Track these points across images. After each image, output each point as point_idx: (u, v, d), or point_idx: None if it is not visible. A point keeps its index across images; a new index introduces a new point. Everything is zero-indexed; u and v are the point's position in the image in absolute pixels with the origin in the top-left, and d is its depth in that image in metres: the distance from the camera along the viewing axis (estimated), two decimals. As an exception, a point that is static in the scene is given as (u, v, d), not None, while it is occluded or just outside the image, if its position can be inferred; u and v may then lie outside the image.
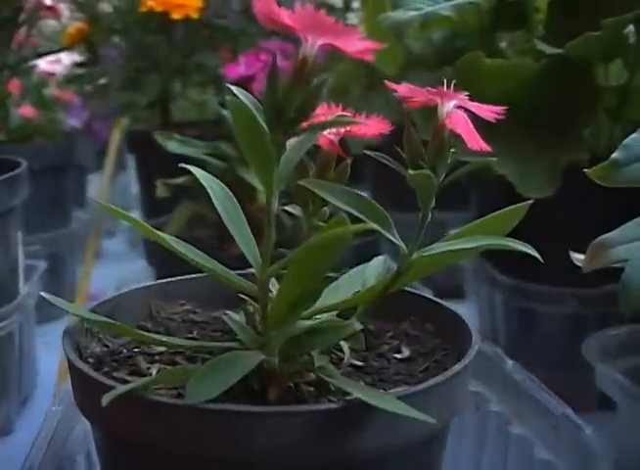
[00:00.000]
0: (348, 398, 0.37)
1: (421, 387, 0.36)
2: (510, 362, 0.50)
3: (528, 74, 0.57)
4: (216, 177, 0.64)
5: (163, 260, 0.64)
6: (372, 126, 0.39)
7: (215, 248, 0.63)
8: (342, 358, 0.43)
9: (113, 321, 0.41)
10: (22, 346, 0.68)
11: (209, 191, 0.38)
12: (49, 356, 0.79)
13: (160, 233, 0.41)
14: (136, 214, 1.26)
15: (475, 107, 0.37)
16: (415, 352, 0.45)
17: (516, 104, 0.58)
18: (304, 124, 0.34)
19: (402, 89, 0.36)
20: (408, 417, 0.33)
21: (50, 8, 0.86)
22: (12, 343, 0.64)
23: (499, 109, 0.37)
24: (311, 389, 0.39)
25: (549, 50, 0.56)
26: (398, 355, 0.45)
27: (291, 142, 0.35)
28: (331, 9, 0.97)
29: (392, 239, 0.37)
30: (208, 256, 0.62)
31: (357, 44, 0.32)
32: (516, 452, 0.46)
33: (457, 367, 0.38)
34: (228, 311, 0.45)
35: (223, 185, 0.38)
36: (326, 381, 0.39)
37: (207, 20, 0.86)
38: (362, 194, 0.38)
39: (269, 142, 0.32)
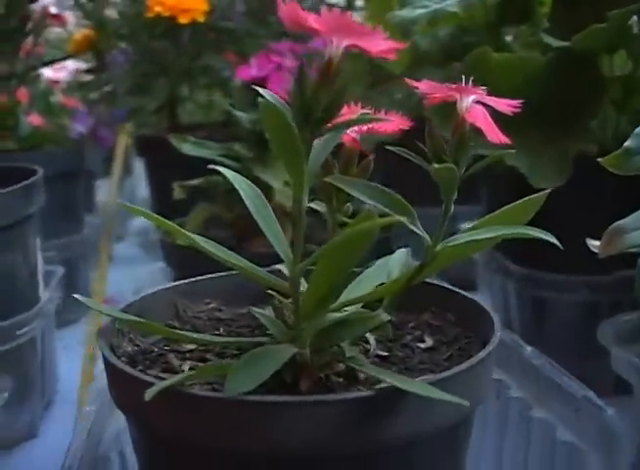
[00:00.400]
0: (378, 386, 0.39)
1: (450, 373, 0.37)
2: (528, 348, 0.51)
3: (535, 68, 0.58)
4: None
5: (182, 261, 0.65)
6: (392, 122, 0.40)
7: (233, 247, 0.64)
8: (368, 349, 0.44)
9: (146, 321, 0.42)
10: (44, 351, 0.69)
11: (240, 191, 0.39)
12: (68, 360, 0.80)
13: (190, 234, 0.42)
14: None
15: (492, 101, 0.38)
16: (438, 342, 0.46)
17: (524, 97, 0.60)
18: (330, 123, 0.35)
19: (422, 86, 0.37)
20: (438, 403, 0.35)
21: (55, 16, 0.87)
22: (34, 348, 0.65)
23: (516, 102, 0.38)
24: (340, 379, 0.40)
25: (555, 43, 0.57)
26: (422, 345, 0.46)
27: (316, 141, 0.36)
28: (334, 8, 0.97)
29: (417, 231, 0.38)
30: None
31: (381, 44, 0.34)
32: (538, 436, 0.47)
33: (483, 353, 0.39)
34: (254, 308, 0.46)
35: (252, 184, 0.39)
36: (355, 371, 0.40)
37: (213, 23, 0.87)
38: (386, 188, 0.39)
39: (299, 141, 0.33)
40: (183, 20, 0.83)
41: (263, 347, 0.37)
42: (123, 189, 1.34)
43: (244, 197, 0.39)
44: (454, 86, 0.37)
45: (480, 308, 0.46)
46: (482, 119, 0.37)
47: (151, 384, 0.35)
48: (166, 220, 0.42)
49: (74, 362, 0.79)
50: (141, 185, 1.43)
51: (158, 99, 0.90)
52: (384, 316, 0.40)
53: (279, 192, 0.60)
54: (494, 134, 0.37)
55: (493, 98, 0.38)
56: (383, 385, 0.38)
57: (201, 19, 0.83)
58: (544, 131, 0.58)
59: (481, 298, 0.78)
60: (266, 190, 0.62)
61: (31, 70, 0.86)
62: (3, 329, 0.61)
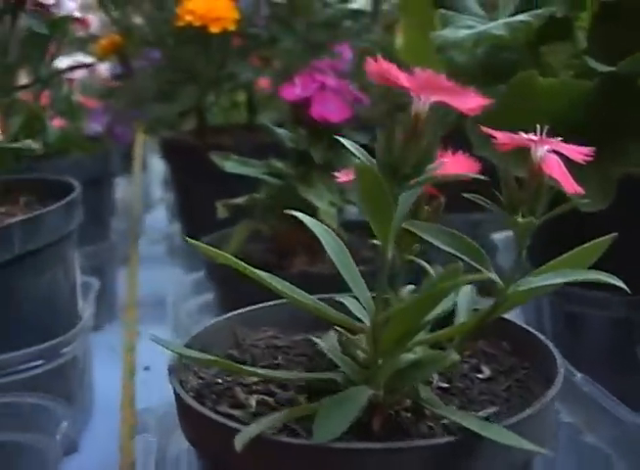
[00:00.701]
0: (443, 421, 0.40)
1: (523, 415, 0.38)
2: (578, 375, 0.52)
3: (580, 92, 0.58)
4: (275, 195, 0.66)
5: (225, 278, 0.65)
6: (462, 167, 0.41)
7: (274, 265, 0.65)
8: (431, 382, 0.45)
9: (219, 359, 0.43)
10: (83, 365, 0.69)
11: (323, 242, 0.39)
12: (100, 368, 0.80)
13: (257, 271, 0.42)
14: (161, 214, 1.28)
15: (566, 149, 0.39)
16: (495, 371, 0.47)
17: (568, 120, 0.61)
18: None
19: (500, 136, 0.38)
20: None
21: (80, 20, 0.86)
22: (76, 367, 0.66)
23: (588, 150, 0.39)
24: (409, 414, 0.42)
25: (601, 68, 0.58)
26: (480, 375, 0.47)
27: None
28: (361, 13, 0.97)
29: (491, 277, 0.39)
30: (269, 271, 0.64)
31: (470, 102, 0.34)
32: (591, 463, 0.49)
33: (551, 393, 0.40)
34: (312, 337, 0.47)
35: (334, 235, 0.40)
36: (422, 407, 0.41)
37: (241, 29, 0.86)
38: (458, 233, 0.40)
39: (390, 201, 0.34)
40: (214, 29, 0.82)
41: (343, 392, 0.38)
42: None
43: (326, 247, 0.40)
44: (530, 137, 0.38)
45: (537, 339, 0.47)
46: (558, 170, 0.38)
47: (230, 428, 0.37)
48: (236, 260, 0.42)
49: (107, 370, 0.79)
50: (156, 182, 1.44)
51: (185, 106, 0.90)
52: (455, 357, 0.41)
53: (323, 212, 0.60)
54: (570, 185, 0.38)
55: (566, 146, 0.39)
56: (445, 421, 0.40)
57: (232, 27, 0.83)
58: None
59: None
60: (311, 209, 0.63)
61: (57, 74, 0.85)
62: (49, 349, 0.61)
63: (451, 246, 0.39)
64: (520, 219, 0.36)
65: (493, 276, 0.39)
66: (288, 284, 0.43)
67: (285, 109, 0.92)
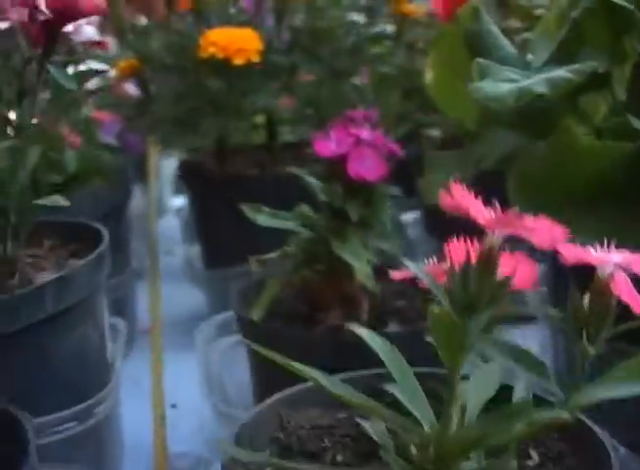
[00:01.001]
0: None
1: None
2: (622, 449, 0.52)
3: (622, 154, 0.58)
4: (307, 248, 0.65)
5: (259, 337, 0.64)
6: (523, 275, 0.40)
7: (306, 318, 0.65)
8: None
9: (285, 463, 0.43)
10: (115, 420, 0.68)
11: (379, 352, 0.39)
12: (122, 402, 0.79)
13: (304, 368, 0.42)
14: (173, 222, 1.26)
15: (635, 264, 0.38)
16: (544, 457, 0.47)
17: (610, 180, 0.60)
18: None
19: (569, 252, 0.37)
20: None
21: (99, 43, 0.84)
22: (108, 424, 0.65)
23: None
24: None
25: (644, 128, 0.57)
26: (530, 462, 0.47)
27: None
28: (384, 36, 0.94)
29: (551, 389, 0.39)
30: (302, 325, 0.63)
31: (544, 236, 0.33)
32: None
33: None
34: (358, 419, 0.47)
35: (386, 341, 0.39)
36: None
37: (264, 59, 0.84)
38: (518, 345, 0.40)
39: (466, 341, 0.33)
40: (238, 61, 0.80)
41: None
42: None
43: (383, 358, 0.39)
44: (597, 255, 0.37)
45: (584, 425, 0.47)
46: (626, 290, 0.37)
47: None
48: (278, 356, 0.42)
49: (132, 403, 0.78)
50: (167, 190, 1.43)
51: (207, 136, 0.88)
52: (512, 465, 0.41)
53: (360, 272, 0.60)
54: (638, 306, 0.37)
55: (635, 259, 0.38)
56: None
57: (255, 59, 0.81)
58: (630, 214, 0.58)
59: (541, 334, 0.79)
60: (345, 266, 0.62)
61: (77, 98, 0.83)
62: (81, 411, 0.60)
63: (508, 355, 0.39)
64: (587, 344, 0.35)
65: (552, 388, 0.38)
66: (342, 386, 0.42)
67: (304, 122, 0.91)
